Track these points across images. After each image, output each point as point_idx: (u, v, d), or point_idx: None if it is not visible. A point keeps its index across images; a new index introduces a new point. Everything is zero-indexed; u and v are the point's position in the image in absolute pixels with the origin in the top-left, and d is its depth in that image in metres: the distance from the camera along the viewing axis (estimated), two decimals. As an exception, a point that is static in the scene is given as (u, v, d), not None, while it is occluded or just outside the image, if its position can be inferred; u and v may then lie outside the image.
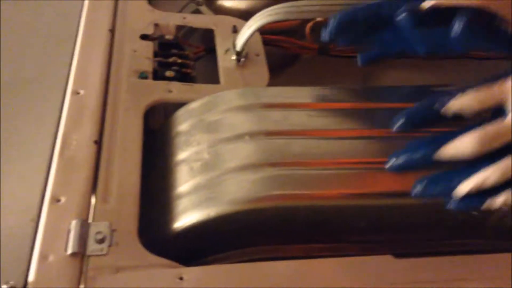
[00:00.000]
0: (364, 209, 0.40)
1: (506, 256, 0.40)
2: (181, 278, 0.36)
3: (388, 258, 0.39)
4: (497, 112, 0.32)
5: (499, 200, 0.32)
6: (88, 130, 0.44)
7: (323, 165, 0.41)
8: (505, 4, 0.35)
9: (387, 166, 0.33)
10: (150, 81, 0.51)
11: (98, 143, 0.43)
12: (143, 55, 0.54)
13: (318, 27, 0.67)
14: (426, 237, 0.43)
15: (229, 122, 0.44)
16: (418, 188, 0.33)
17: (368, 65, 0.44)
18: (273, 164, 0.41)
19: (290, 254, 0.42)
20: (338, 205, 0.40)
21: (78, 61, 0.50)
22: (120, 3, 0.59)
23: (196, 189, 0.40)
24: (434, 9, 0.36)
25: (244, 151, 0.42)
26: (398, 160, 0.33)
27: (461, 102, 0.32)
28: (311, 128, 0.44)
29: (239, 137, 0.43)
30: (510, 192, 0.31)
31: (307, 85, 0.53)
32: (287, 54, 0.63)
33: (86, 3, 0.58)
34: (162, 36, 0.57)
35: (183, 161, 0.43)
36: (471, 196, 0.32)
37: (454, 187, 0.32)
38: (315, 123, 0.44)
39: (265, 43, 0.59)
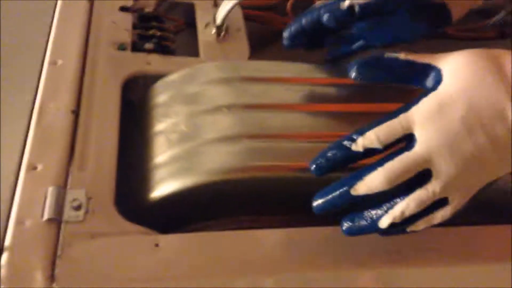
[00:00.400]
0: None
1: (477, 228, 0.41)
2: (156, 245, 0.36)
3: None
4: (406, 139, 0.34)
5: (420, 226, 0.34)
6: (65, 100, 0.44)
7: (300, 138, 0.42)
8: None
9: (314, 206, 0.35)
10: (128, 53, 0.51)
11: (76, 112, 0.43)
12: (122, 26, 0.53)
13: (299, 3, 0.67)
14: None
15: (208, 94, 0.44)
16: (346, 225, 0.35)
17: (336, 60, 0.47)
18: (250, 136, 0.41)
19: (268, 225, 0.42)
20: (312, 178, 0.40)
21: (56, 31, 0.50)
22: (100, -26, 0.59)
23: (173, 159, 0.40)
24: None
25: (222, 123, 0.42)
26: (319, 202, 0.35)
27: (364, 143, 0.34)
28: (289, 102, 0.44)
29: (217, 109, 0.43)
30: (429, 217, 0.34)
31: (288, 60, 0.54)
32: (268, 30, 0.63)
33: (65, -27, 0.57)
34: (141, 9, 0.57)
35: (161, 132, 0.43)
36: (395, 224, 0.34)
37: (377, 220, 0.34)
38: (293, 97, 0.45)
39: (247, 18, 0.59)
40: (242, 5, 0.58)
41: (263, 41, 0.65)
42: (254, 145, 0.41)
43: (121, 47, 0.51)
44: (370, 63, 0.38)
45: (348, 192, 0.34)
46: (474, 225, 0.41)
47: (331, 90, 0.46)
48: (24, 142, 0.41)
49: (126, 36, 0.52)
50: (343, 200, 0.34)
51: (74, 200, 0.37)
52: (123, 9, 0.56)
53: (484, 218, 0.44)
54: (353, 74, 0.38)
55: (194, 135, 0.42)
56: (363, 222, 0.35)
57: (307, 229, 0.39)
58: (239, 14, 0.59)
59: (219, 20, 0.55)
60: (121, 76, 0.48)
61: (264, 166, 0.40)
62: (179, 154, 0.41)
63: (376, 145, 0.34)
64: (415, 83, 0.37)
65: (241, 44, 0.56)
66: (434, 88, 0.35)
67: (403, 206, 0.33)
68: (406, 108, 0.34)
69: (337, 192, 0.34)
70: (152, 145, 0.43)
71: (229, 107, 0.43)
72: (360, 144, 0.34)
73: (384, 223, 0.34)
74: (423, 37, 0.42)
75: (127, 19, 0.55)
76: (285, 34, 0.47)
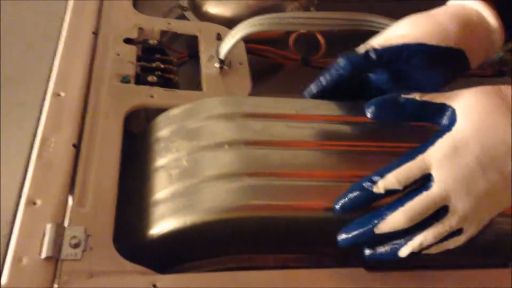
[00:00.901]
0: (339, 223, 0.41)
1: (475, 272, 0.41)
2: (154, 286, 0.36)
3: (360, 270, 0.39)
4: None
5: (433, 250, 0.37)
6: (67, 133, 0.44)
7: (300, 177, 0.42)
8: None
9: (339, 240, 0.38)
10: (132, 86, 0.51)
11: (77, 146, 0.43)
12: (126, 59, 0.54)
13: (301, 38, 0.68)
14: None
15: (209, 130, 0.44)
16: (368, 253, 0.38)
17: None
18: (251, 174, 0.41)
19: (265, 264, 0.42)
20: (313, 217, 0.40)
21: (60, 63, 0.50)
22: (105, 5, 0.59)
23: (173, 196, 0.40)
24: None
25: (223, 160, 0.42)
26: (343, 236, 0.38)
27: (385, 185, 0.36)
28: (290, 140, 0.44)
29: (218, 145, 0.43)
30: (443, 243, 0.37)
31: (289, 95, 0.54)
32: (270, 63, 0.63)
33: (70, 3, 0.58)
34: (146, 41, 0.58)
35: (161, 167, 0.43)
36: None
37: (397, 250, 0.37)
38: (294, 134, 0.45)
39: (249, 52, 0.60)
40: (244, 39, 0.58)
41: (264, 74, 0.66)
42: (254, 183, 0.40)
43: (125, 80, 0.51)
44: (386, 103, 0.40)
45: (372, 230, 0.36)
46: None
47: (333, 128, 0.47)
48: (24, 176, 0.41)
49: (130, 69, 0.53)
50: (366, 238, 0.37)
51: (73, 237, 0.37)
52: (128, 41, 0.56)
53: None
54: (369, 114, 0.40)
55: (195, 171, 0.42)
56: (384, 252, 0.37)
57: (305, 271, 0.39)
58: (242, 48, 0.59)
59: (222, 54, 0.55)
60: (124, 109, 0.48)
61: (264, 205, 0.40)
62: (179, 190, 0.41)
63: (396, 186, 0.36)
64: (430, 121, 0.39)
65: (244, 78, 0.56)
66: (449, 128, 0.37)
67: (421, 238, 0.36)
68: (423, 149, 0.36)
69: (361, 230, 0.37)
70: (153, 180, 0.42)
71: (230, 144, 0.43)
72: (381, 186, 0.36)
73: (404, 253, 0.36)
74: (443, 85, 0.43)
75: (131, 51, 0.55)
76: (306, 93, 0.48)
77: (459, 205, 0.35)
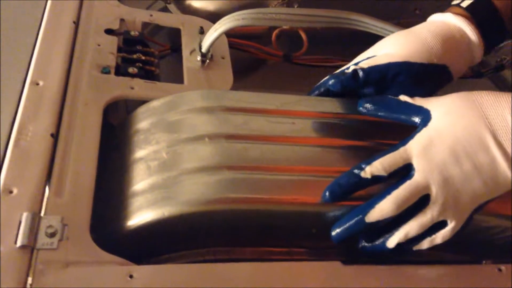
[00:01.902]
0: (317, 216, 0.41)
1: (450, 267, 0.42)
2: (131, 276, 0.36)
3: (336, 264, 0.40)
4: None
5: (423, 246, 0.40)
6: (45, 122, 0.43)
7: (279, 171, 0.42)
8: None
9: (333, 236, 0.40)
10: (112, 76, 0.50)
11: (55, 136, 0.43)
12: (107, 49, 0.53)
13: (284, 35, 0.68)
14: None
15: (190, 123, 0.44)
16: (362, 246, 0.40)
17: None
18: (230, 167, 0.41)
19: (243, 256, 0.42)
20: (291, 211, 0.41)
21: (39, 51, 0.49)
22: (87, -4, 0.59)
23: (152, 188, 0.40)
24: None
25: (203, 153, 0.42)
26: (337, 231, 0.39)
27: (372, 171, 0.39)
28: (270, 134, 0.45)
29: (198, 138, 0.43)
30: (431, 238, 0.40)
31: (270, 90, 0.54)
32: (252, 58, 0.63)
33: (51, -7, 0.57)
34: (127, 32, 0.57)
35: (141, 159, 0.43)
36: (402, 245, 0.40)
37: (386, 241, 0.40)
38: (274, 129, 0.45)
39: (231, 46, 0.60)
40: (227, 34, 0.58)
41: (246, 69, 0.66)
42: (232, 177, 0.41)
43: (105, 70, 0.51)
44: (375, 100, 0.45)
45: (363, 219, 0.38)
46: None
47: (312, 123, 0.47)
48: (0, 164, 0.40)
49: (111, 59, 0.52)
50: (358, 227, 0.39)
51: (49, 226, 0.37)
52: (109, 31, 0.56)
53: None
54: (360, 108, 0.46)
55: (175, 163, 0.42)
56: (375, 243, 0.40)
57: (282, 264, 0.39)
58: (224, 42, 0.59)
59: (204, 48, 0.55)
60: (103, 100, 0.48)
61: (242, 198, 0.40)
62: (158, 182, 0.40)
63: (382, 172, 0.39)
64: (409, 119, 0.43)
65: (225, 72, 0.56)
66: (425, 124, 0.41)
67: (407, 228, 0.39)
68: (404, 142, 0.40)
69: (353, 221, 0.39)
70: (132, 172, 0.42)
71: (211, 137, 0.43)
72: (368, 172, 0.39)
73: (391, 243, 0.39)
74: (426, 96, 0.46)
75: (112, 42, 0.55)
76: None
77: (438, 193, 0.38)
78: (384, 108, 0.44)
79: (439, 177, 0.38)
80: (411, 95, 0.45)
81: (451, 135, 0.39)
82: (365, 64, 0.46)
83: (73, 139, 0.43)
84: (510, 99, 0.39)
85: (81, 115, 0.45)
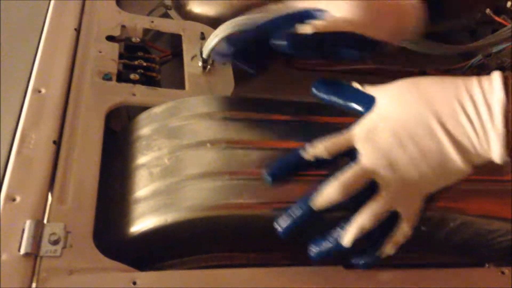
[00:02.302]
0: (320, 220, 0.41)
1: (453, 271, 0.42)
2: (134, 283, 0.36)
3: (339, 268, 0.40)
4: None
5: (388, 248, 0.38)
6: (47, 130, 0.44)
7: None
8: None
9: (280, 231, 0.37)
10: (113, 83, 0.51)
11: (57, 143, 0.43)
12: (108, 56, 0.54)
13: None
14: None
15: (191, 128, 0.45)
16: (314, 251, 0.38)
17: None
18: (232, 173, 0.41)
19: (245, 262, 0.42)
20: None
21: (41, 59, 0.50)
22: (88, 3, 0.59)
23: (154, 194, 0.40)
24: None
25: (204, 159, 0.42)
26: (284, 224, 0.37)
27: (314, 152, 0.38)
28: (272, 140, 0.45)
29: (200, 144, 0.43)
30: (392, 237, 0.38)
31: (272, 95, 0.54)
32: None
33: (52, 1, 0.58)
34: (128, 38, 0.57)
35: (143, 165, 0.43)
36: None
37: (340, 239, 0.37)
38: (276, 134, 0.45)
39: (232, 51, 0.60)
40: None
41: (247, 74, 0.66)
42: (234, 182, 0.41)
43: (106, 77, 0.51)
44: (328, 82, 0.43)
45: (308, 206, 0.37)
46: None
47: (314, 128, 0.47)
48: (3, 172, 0.40)
49: (112, 66, 0.53)
50: (305, 216, 0.37)
51: (52, 234, 0.37)
52: (110, 38, 0.56)
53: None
54: (312, 89, 0.43)
55: (176, 169, 0.42)
56: (328, 244, 0.37)
57: (284, 269, 0.39)
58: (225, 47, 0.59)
59: (205, 53, 0.55)
60: (105, 106, 0.48)
61: (244, 204, 0.40)
62: (160, 188, 0.41)
63: (324, 154, 0.38)
64: (356, 109, 0.41)
65: (226, 77, 0.56)
66: (371, 110, 0.40)
67: (360, 220, 0.37)
68: (349, 128, 0.40)
69: (299, 209, 0.37)
70: (134, 178, 0.42)
71: (212, 143, 0.43)
72: (310, 152, 0.38)
73: (346, 240, 0.37)
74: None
75: (114, 49, 0.55)
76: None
77: (386, 178, 0.37)
78: (336, 94, 0.42)
79: (384, 161, 0.37)
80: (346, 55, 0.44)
81: (396, 119, 0.38)
82: (322, 27, 0.42)
83: (75, 146, 0.44)
84: (457, 84, 0.37)
85: (83, 122, 0.46)
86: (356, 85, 0.42)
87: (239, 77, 0.60)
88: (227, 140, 0.44)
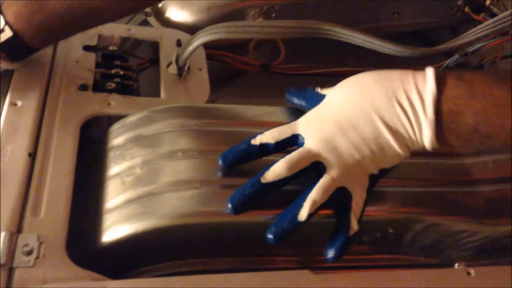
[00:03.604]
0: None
1: (419, 271, 0.43)
2: (105, 291, 0.37)
3: (306, 272, 0.41)
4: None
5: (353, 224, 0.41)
6: (23, 142, 0.45)
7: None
8: None
9: (231, 206, 0.40)
10: (89, 93, 0.52)
11: (33, 155, 0.44)
12: (85, 66, 0.55)
13: (264, 43, 0.69)
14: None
15: (164, 138, 0.46)
16: (271, 233, 0.40)
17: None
18: (202, 181, 0.42)
19: (219, 266, 0.44)
20: (262, 221, 0.42)
21: (18, 72, 0.51)
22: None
23: (126, 203, 0.41)
24: None
25: (176, 168, 0.43)
26: (235, 199, 0.40)
27: (261, 139, 0.42)
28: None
29: (172, 153, 0.44)
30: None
31: (249, 99, 0.55)
32: (232, 68, 0.65)
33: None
34: (105, 47, 0.58)
35: (116, 175, 0.44)
36: None
37: (296, 215, 0.40)
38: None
39: (209, 57, 0.61)
40: (205, 45, 0.59)
41: (225, 79, 0.67)
42: (205, 191, 0.42)
43: (82, 87, 0.52)
44: (298, 89, 0.49)
45: (258, 180, 0.40)
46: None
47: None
48: (-21, 185, 0.41)
49: (88, 76, 0.54)
50: (255, 189, 0.40)
51: (26, 245, 0.38)
52: (87, 48, 0.57)
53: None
54: (286, 95, 0.49)
55: (148, 178, 0.43)
56: (285, 222, 0.40)
57: (252, 274, 0.40)
58: (202, 53, 0.60)
59: (180, 61, 0.56)
60: (80, 117, 0.49)
61: (214, 211, 0.41)
62: (132, 197, 0.42)
63: (270, 140, 0.42)
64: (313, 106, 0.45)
65: (202, 84, 0.57)
66: (317, 105, 0.44)
67: (312, 195, 0.40)
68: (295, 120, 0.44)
69: (249, 183, 0.40)
70: (107, 188, 0.43)
71: (184, 152, 0.44)
72: (258, 139, 0.42)
73: (302, 215, 0.39)
74: None
75: (91, 58, 0.56)
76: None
77: (330, 159, 0.41)
78: (301, 98, 0.48)
79: (327, 144, 0.41)
80: None
81: (338, 110, 0.42)
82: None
83: (50, 158, 0.45)
84: (393, 78, 0.41)
85: (58, 134, 0.47)
86: (317, 88, 0.47)
87: (218, 82, 0.61)
88: (199, 149, 0.45)
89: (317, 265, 0.45)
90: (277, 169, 0.40)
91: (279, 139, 0.42)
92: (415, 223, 0.45)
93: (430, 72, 0.41)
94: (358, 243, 0.45)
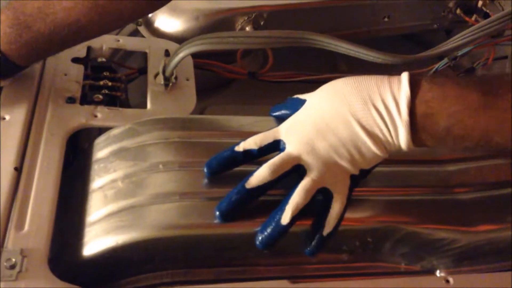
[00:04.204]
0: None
1: (398, 279, 0.44)
2: (85, 304, 0.38)
3: (284, 282, 0.42)
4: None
5: (330, 224, 0.42)
6: (10, 157, 0.46)
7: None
8: None
9: (219, 211, 0.41)
10: (76, 106, 0.53)
11: (18, 169, 0.45)
12: (73, 78, 0.56)
13: (251, 52, 0.70)
14: (325, 260, 0.46)
15: (146, 150, 0.46)
16: (259, 240, 0.41)
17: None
18: (182, 194, 0.43)
19: (199, 277, 0.44)
20: (243, 233, 0.43)
21: (7, 86, 0.52)
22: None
23: (107, 216, 0.42)
24: None
25: (156, 180, 0.44)
26: (222, 207, 0.41)
27: (244, 145, 0.44)
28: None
29: (153, 166, 0.45)
30: (329, 213, 0.42)
31: (237, 107, 0.56)
32: (216, 77, 0.65)
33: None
34: (94, 59, 0.59)
35: (99, 188, 0.45)
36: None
37: (279, 220, 0.41)
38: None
39: (197, 66, 0.62)
40: (193, 54, 0.60)
41: (213, 87, 0.68)
42: (184, 203, 0.43)
43: (69, 100, 0.53)
44: (279, 103, 0.51)
45: (243, 186, 0.41)
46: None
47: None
48: (-35, 200, 0.42)
49: (76, 88, 0.55)
50: (240, 195, 0.41)
51: (8, 259, 0.39)
52: (76, 60, 0.58)
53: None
54: (270, 113, 0.51)
55: (130, 192, 0.44)
56: (269, 228, 0.41)
57: (229, 285, 0.41)
58: (189, 63, 0.61)
59: (167, 71, 0.57)
60: (66, 130, 0.50)
61: (194, 224, 0.42)
62: (113, 211, 0.43)
63: (253, 146, 0.44)
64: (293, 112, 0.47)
65: (189, 94, 0.58)
66: (296, 111, 0.46)
67: (295, 197, 0.41)
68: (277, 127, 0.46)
69: (235, 190, 0.42)
70: (90, 201, 0.44)
71: (165, 164, 0.45)
72: (241, 146, 0.44)
73: (285, 219, 0.41)
74: None
75: (79, 70, 0.57)
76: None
77: (310, 162, 0.42)
78: (285, 108, 0.49)
79: (307, 147, 0.43)
80: None
81: (316, 114, 0.44)
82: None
83: (35, 171, 0.46)
84: (369, 83, 0.43)
85: (44, 147, 0.48)
86: (297, 95, 0.48)
87: (207, 90, 0.61)
88: (180, 162, 0.46)
89: (298, 274, 0.45)
90: (261, 174, 0.42)
91: (262, 145, 0.44)
92: (393, 232, 0.45)
93: (404, 76, 0.42)
94: (338, 252, 0.45)
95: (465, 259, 0.47)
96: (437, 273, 0.47)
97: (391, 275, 0.46)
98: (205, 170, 0.44)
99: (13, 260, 0.39)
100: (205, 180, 0.44)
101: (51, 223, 0.43)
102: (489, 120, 0.41)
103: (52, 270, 0.40)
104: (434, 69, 0.70)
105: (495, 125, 0.41)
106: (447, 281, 0.44)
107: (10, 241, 0.41)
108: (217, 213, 0.41)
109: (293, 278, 0.42)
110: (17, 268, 0.39)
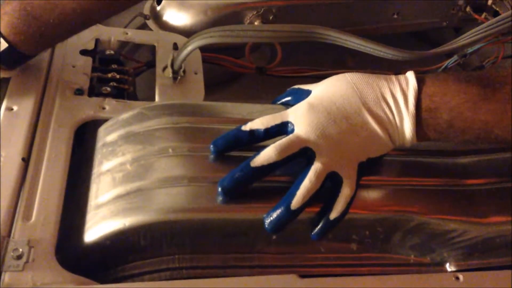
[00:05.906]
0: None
1: (408, 276, 0.43)
2: (92, 295, 0.38)
3: (293, 277, 0.41)
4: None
5: (338, 209, 0.42)
6: (17, 147, 0.46)
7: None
8: None
9: (223, 188, 0.41)
10: (84, 98, 0.52)
11: (26, 160, 0.45)
12: (82, 70, 0.55)
13: (263, 44, 0.69)
14: (334, 250, 0.46)
15: (155, 134, 0.46)
16: (267, 222, 0.41)
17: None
18: (191, 178, 0.43)
19: (206, 263, 0.44)
20: (249, 219, 0.42)
21: (15, 77, 0.52)
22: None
23: (115, 199, 0.42)
24: None
25: (165, 164, 0.43)
26: (225, 183, 0.41)
27: (251, 126, 0.44)
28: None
29: (162, 150, 0.45)
30: (338, 198, 0.42)
31: (247, 101, 0.55)
32: (223, 71, 0.65)
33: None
34: (102, 51, 0.59)
35: (107, 171, 0.44)
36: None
37: (290, 204, 0.40)
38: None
39: (205, 60, 0.62)
40: (202, 48, 0.60)
41: (221, 81, 0.68)
42: (194, 187, 0.42)
43: (78, 92, 0.53)
44: (287, 93, 0.51)
45: (248, 164, 0.41)
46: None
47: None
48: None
49: (84, 80, 0.54)
50: (245, 173, 0.41)
51: (15, 249, 0.39)
52: (84, 52, 0.58)
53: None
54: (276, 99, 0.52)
55: (138, 174, 0.43)
56: (279, 212, 0.41)
57: (238, 279, 0.40)
58: (198, 57, 0.61)
59: (176, 64, 0.57)
60: (74, 122, 0.50)
61: (202, 208, 0.42)
62: (121, 193, 0.42)
63: (259, 126, 0.43)
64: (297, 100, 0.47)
65: (197, 87, 0.58)
66: (306, 98, 0.46)
67: (304, 182, 0.41)
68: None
69: (239, 167, 0.41)
70: (98, 184, 0.44)
71: (174, 148, 0.45)
72: (248, 126, 0.44)
73: (294, 202, 0.40)
74: None
75: (87, 63, 0.57)
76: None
77: (320, 146, 0.42)
78: (289, 96, 0.50)
79: (316, 131, 0.43)
80: None
81: (328, 100, 0.44)
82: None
83: (43, 162, 0.45)
84: (379, 78, 0.45)
85: (52, 138, 0.47)
86: (299, 86, 0.49)
87: (214, 85, 0.61)
88: (189, 146, 0.45)
89: (306, 263, 0.45)
90: (267, 154, 0.41)
91: (269, 126, 0.44)
92: (404, 222, 0.45)
93: (411, 73, 0.45)
94: (347, 241, 0.45)
95: (476, 251, 0.46)
96: (447, 266, 0.46)
97: (400, 266, 0.46)
98: (211, 148, 0.44)
99: (20, 250, 0.39)
100: (215, 165, 0.44)
101: (58, 214, 0.42)
102: (489, 113, 0.43)
103: (59, 260, 0.40)
104: (443, 66, 0.69)
105: (494, 117, 0.43)
106: (457, 278, 0.43)
107: (17, 232, 0.40)
108: (219, 188, 0.41)
109: (301, 267, 0.42)
110: (24, 259, 0.39)
